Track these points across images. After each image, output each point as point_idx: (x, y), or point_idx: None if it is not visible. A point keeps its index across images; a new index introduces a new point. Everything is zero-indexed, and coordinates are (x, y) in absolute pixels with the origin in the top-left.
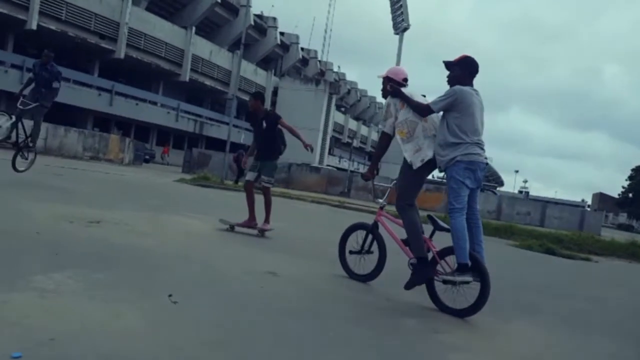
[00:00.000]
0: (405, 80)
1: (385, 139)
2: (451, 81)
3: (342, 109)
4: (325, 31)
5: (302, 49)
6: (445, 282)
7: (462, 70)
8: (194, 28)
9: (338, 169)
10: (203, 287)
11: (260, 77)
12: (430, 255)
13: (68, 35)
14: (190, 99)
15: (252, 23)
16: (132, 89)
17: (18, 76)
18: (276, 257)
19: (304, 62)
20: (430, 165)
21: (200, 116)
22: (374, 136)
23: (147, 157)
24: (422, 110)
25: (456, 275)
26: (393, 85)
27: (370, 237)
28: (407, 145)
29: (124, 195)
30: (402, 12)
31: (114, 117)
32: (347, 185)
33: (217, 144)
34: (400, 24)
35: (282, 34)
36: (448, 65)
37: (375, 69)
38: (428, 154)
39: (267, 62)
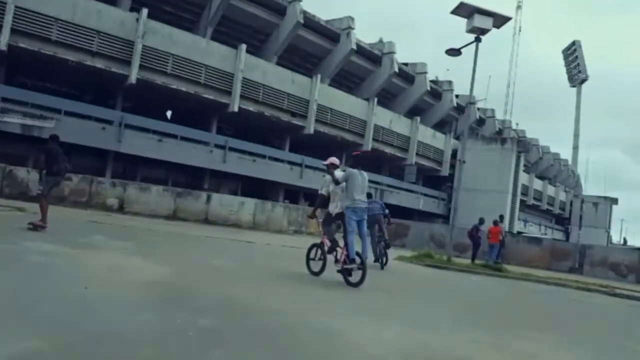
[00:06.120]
0: None
1: None
2: None
3: (524, 168)
4: (508, 86)
5: (479, 109)
6: None
7: None
8: (375, 99)
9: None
10: None
11: (438, 140)
12: None
13: (264, 115)
14: (369, 167)
15: (429, 89)
16: (319, 162)
17: (220, 154)
18: None
19: (480, 122)
20: None
21: (380, 183)
22: (562, 196)
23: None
24: None
25: None
26: None
27: None
28: None
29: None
30: (578, 64)
31: (302, 189)
32: (577, 260)
33: (397, 212)
34: (576, 76)
35: (457, 96)
36: None
37: (556, 124)
38: None
39: (442, 126)
